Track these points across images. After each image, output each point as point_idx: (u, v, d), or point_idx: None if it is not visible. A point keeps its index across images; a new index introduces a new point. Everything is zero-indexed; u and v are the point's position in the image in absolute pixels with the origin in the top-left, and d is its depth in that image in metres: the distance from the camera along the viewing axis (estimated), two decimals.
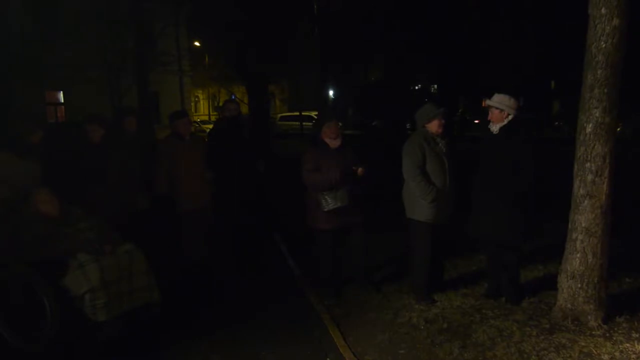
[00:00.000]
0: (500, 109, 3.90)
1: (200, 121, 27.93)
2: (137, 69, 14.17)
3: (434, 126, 4.07)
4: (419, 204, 4.03)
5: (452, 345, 3.47)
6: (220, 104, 31.85)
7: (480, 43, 19.45)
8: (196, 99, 42.33)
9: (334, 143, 4.35)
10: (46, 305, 3.38)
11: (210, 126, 20.86)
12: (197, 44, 27.40)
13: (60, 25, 13.12)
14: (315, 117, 24.59)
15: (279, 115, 29.23)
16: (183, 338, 3.69)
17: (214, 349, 3.53)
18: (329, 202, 4.19)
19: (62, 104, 17.60)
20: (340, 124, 4.42)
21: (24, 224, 3.61)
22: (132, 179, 4.77)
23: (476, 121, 22.68)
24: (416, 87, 28.76)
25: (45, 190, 3.77)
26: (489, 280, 4.28)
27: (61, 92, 17.39)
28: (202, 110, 43.07)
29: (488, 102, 3.96)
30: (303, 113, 25.89)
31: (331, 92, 30.30)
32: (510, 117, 3.89)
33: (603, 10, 3.37)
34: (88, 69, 14.58)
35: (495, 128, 3.95)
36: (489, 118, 4.00)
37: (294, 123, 25.95)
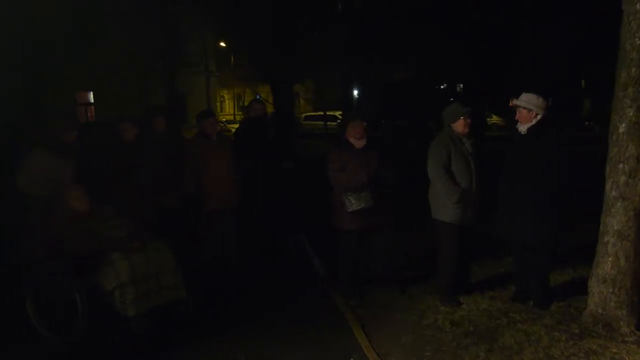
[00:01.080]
0: (528, 108, 3.82)
1: (226, 121, 28.18)
2: (166, 70, 14.43)
3: (460, 126, 4.03)
4: (444, 205, 4.00)
5: (479, 348, 3.42)
6: (246, 103, 32.15)
7: (510, 41, 19.09)
8: (222, 99, 42.76)
9: (358, 143, 4.34)
10: (77, 300, 3.48)
11: (236, 126, 21.09)
12: (223, 44, 27.71)
13: (91, 27, 13.44)
14: (340, 116, 24.59)
15: (303, 114, 29.28)
16: (209, 336, 3.74)
17: (240, 348, 3.57)
18: (353, 203, 4.18)
19: (92, 104, 18.03)
20: (365, 124, 4.41)
21: (57, 221, 3.72)
22: (162, 179, 4.85)
23: (501, 120, 22.34)
24: (442, 86, 28.45)
25: (77, 188, 3.87)
26: (517, 283, 4.20)
27: (91, 92, 17.82)
28: (228, 110, 43.47)
29: (515, 101, 3.89)
30: (327, 113, 25.89)
31: (355, 92, 30.20)
32: (538, 117, 3.81)
33: (638, 6, 3.27)
34: (118, 70, 14.93)
35: (523, 128, 3.88)
36: (516, 118, 3.92)
37: (318, 123, 25.97)
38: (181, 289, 3.86)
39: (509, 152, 4.03)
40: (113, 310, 3.52)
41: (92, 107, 18.02)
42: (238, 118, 32.93)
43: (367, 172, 4.21)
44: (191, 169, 4.90)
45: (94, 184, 4.09)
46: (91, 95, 18.02)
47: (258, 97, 21.59)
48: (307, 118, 27.79)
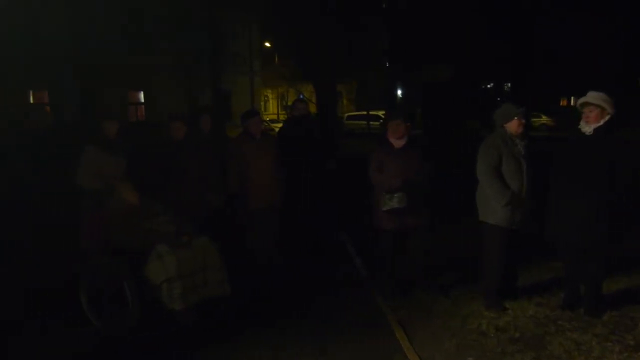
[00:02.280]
0: (602, 107, 3.65)
1: (270, 120, 28.55)
2: (212, 70, 14.75)
3: (513, 126, 3.91)
4: (492, 207, 3.90)
5: (525, 356, 3.33)
6: (289, 103, 32.42)
7: (562, 39, 18.41)
8: (265, 99, 43.29)
9: (398, 143, 4.32)
10: (127, 292, 3.62)
11: (279, 125, 21.32)
12: (267, 44, 28.08)
13: (142, 29, 13.93)
14: (383, 116, 24.42)
15: (346, 114, 29.26)
16: (251, 332, 3.80)
17: (283, 343, 3.61)
18: (387, 203, 4.19)
19: (142, 103, 18.65)
20: (408, 123, 4.37)
21: (109, 215, 3.88)
22: (208, 177, 4.97)
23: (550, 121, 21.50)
24: (488, 85, 27.75)
25: (129, 184, 4.03)
26: (567, 290, 4.05)
27: (142, 92, 18.44)
28: (271, 109, 43.99)
29: (587, 99, 3.69)
30: (370, 112, 25.75)
31: (399, 91, 29.88)
32: (607, 117, 3.65)
33: None
34: (167, 70, 15.40)
35: (589, 128, 3.68)
36: (584, 118, 3.71)
37: (361, 122, 25.91)
38: (225, 285, 3.94)
39: (566, 153, 3.87)
40: (160, 303, 3.64)
41: (142, 106, 18.63)
42: (281, 117, 33.27)
43: (404, 172, 4.19)
44: (235, 168, 4.98)
45: (145, 181, 4.24)
46: (142, 95, 18.64)
47: (301, 96, 21.73)
48: (350, 118, 27.76)
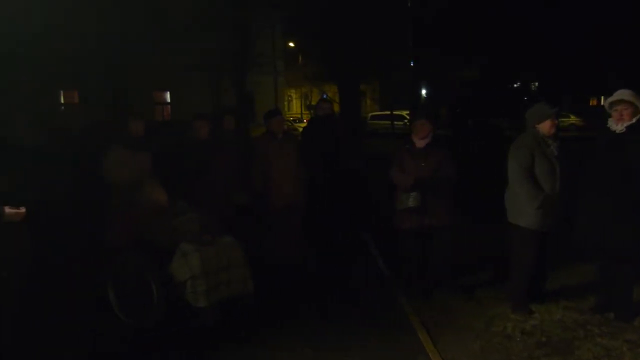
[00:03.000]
0: (635, 105, 3.53)
1: (293, 120, 28.66)
2: (236, 70, 14.88)
3: (546, 127, 3.81)
4: (523, 209, 3.80)
5: None
6: (312, 103, 32.49)
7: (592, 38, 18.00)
8: (289, 98, 43.49)
9: (420, 143, 4.30)
10: (153, 289, 3.67)
11: (303, 125, 21.37)
12: (291, 44, 28.17)
13: (168, 29, 14.14)
14: (407, 116, 24.26)
15: (370, 114, 29.18)
16: (275, 330, 3.82)
17: (306, 342, 3.61)
18: (403, 202, 4.20)
19: (168, 103, 18.94)
20: (430, 124, 4.33)
21: (136, 213, 3.95)
22: (233, 176, 5.01)
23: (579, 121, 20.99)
24: (514, 85, 27.31)
25: (155, 182, 4.09)
26: (597, 294, 3.95)
27: (168, 92, 18.72)
28: (295, 109, 44.16)
29: (621, 97, 3.57)
30: (394, 112, 25.60)
31: (424, 91, 29.65)
32: (639, 115, 3.55)
33: None
34: (192, 70, 15.61)
35: (621, 127, 3.57)
36: (616, 116, 3.59)
37: (385, 122, 25.79)
38: (249, 283, 3.97)
39: (596, 153, 3.77)
40: (184, 300, 3.68)
41: (168, 106, 18.92)
42: (305, 117, 33.37)
43: (423, 172, 4.17)
44: (258, 167, 5.02)
45: (171, 180, 4.29)
46: (168, 95, 18.93)
47: (325, 96, 21.76)
48: (374, 117, 27.67)
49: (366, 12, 13.54)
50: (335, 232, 5.58)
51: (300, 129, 17.91)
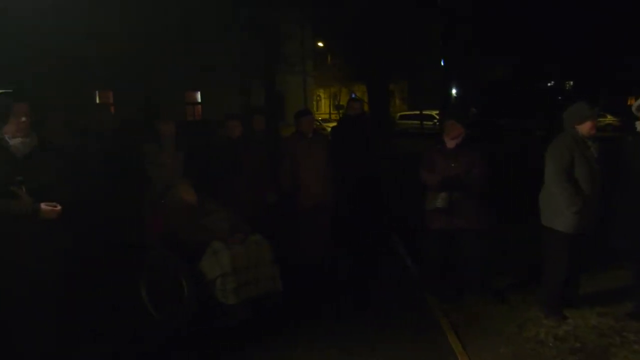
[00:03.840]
0: None
1: (322, 120, 28.71)
2: (265, 71, 15.01)
3: (585, 128, 3.69)
4: (560, 213, 3.69)
5: None
6: (341, 102, 32.47)
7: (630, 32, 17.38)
8: (318, 98, 43.61)
9: (451, 143, 4.26)
10: (184, 286, 3.74)
11: (331, 124, 21.39)
12: (320, 44, 28.22)
13: (199, 30, 14.36)
14: (437, 116, 23.98)
15: (399, 114, 29.00)
16: (301, 329, 3.83)
17: (332, 342, 3.61)
18: (431, 202, 4.17)
19: (199, 103, 19.24)
20: (460, 124, 4.28)
21: (167, 211, 4.03)
22: (262, 175, 5.05)
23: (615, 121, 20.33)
24: (548, 84, 26.66)
25: (187, 181, 4.17)
26: (634, 300, 3.82)
27: (199, 92, 19.03)
28: (323, 109, 44.24)
29: None
30: (424, 112, 25.37)
31: (454, 91, 29.24)
32: None
33: None
34: (223, 71, 15.82)
35: None
36: None
37: (414, 122, 25.59)
38: (277, 282, 3.99)
39: (629, 153, 3.64)
40: (214, 298, 3.73)
41: (200, 106, 19.21)
42: (334, 117, 33.38)
43: (452, 172, 4.12)
44: (287, 166, 5.05)
45: (201, 178, 4.36)
46: (199, 95, 19.23)
47: (353, 96, 21.73)
48: (402, 117, 27.48)
49: (396, 11, 13.45)
50: (364, 233, 5.57)
51: (329, 129, 17.91)
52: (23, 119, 2.95)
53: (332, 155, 5.24)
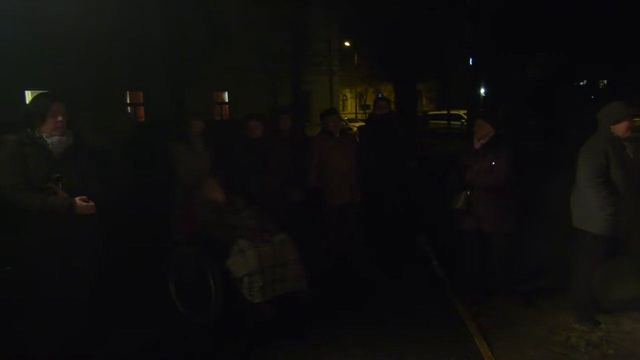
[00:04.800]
0: None
1: (348, 119, 28.67)
2: (292, 70, 15.07)
3: (622, 128, 3.58)
4: (594, 215, 3.59)
5: None
6: (367, 102, 32.33)
7: None
8: (344, 98, 43.54)
9: (477, 143, 4.22)
10: (212, 284, 3.79)
11: (357, 124, 21.34)
12: (347, 43, 28.18)
13: (226, 31, 14.53)
14: (464, 115, 23.65)
15: (426, 113, 28.76)
16: (327, 328, 3.83)
17: (357, 343, 3.60)
18: (453, 202, 4.15)
19: (227, 103, 19.45)
20: (488, 124, 4.21)
21: (196, 210, 4.09)
22: (288, 174, 5.08)
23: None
24: (580, 83, 25.94)
25: (215, 179, 4.22)
26: None
27: (226, 92, 19.23)
28: (350, 108, 44.17)
29: None
30: (451, 112, 25.08)
31: (482, 90, 28.78)
32: None
33: None
34: (250, 70, 15.96)
35: None
36: None
37: (441, 122, 25.31)
38: (303, 280, 4.01)
39: None
40: (241, 296, 3.77)
41: (227, 106, 19.41)
42: (360, 116, 33.28)
43: (476, 173, 4.07)
44: (314, 165, 5.06)
45: (229, 177, 4.40)
46: (226, 95, 19.44)
47: (380, 95, 21.61)
48: (430, 117, 27.22)
49: (423, 10, 13.32)
50: (392, 233, 5.53)
51: (355, 129, 17.83)
52: (60, 118, 3.05)
53: (359, 154, 5.23)
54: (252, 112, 5.29)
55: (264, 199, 4.55)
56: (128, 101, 16.23)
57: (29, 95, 13.11)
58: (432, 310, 4.14)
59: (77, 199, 3.00)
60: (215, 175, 4.39)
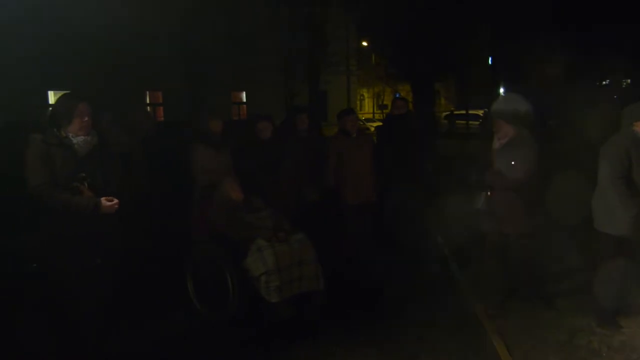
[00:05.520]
0: None
1: (365, 119, 28.60)
2: (309, 70, 15.09)
3: None
4: (616, 216, 3.52)
5: None
6: (385, 102, 32.18)
7: None
8: (361, 98, 43.43)
9: (496, 143, 4.16)
10: (229, 282, 3.82)
11: (375, 124, 21.26)
12: (364, 43, 28.08)
13: (244, 30, 14.60)
14: (482, 115, 23.41)
15: (444, 113, 28.54)
16: (341, 329, 3.82)
17: (371, 344, 3.59)
18: (471, 203, 4.10)
19: (244, 102, 19.57)
20: (506, 123, 4.14)
21: (214, 209, 4.12)
22: (305, 174, 5.08)
23: None
24: (604, 82, 25.44)
25: (233, 179, 4.24)
26: None
27: (244, 92, 19.35)
28: (367, 108, 44.06)
29: None
30: (470, 111, 24.85)
31: (502, 90, 28.44)
32: None
33: None
34: (267, 70, 16.03)
35: None
36: None
37: (460, 121, 25.11)
38: (319, 281, 4.00)
39: None
40: (258, 295, 3.79)
41: (245, 105, 19.53)
42: (377, 117, 33.17)
43: (495, 173, 4.02)
44: (332, 164, 5.07)
45: (246, 177, 4.42)
46: (244, 95, 19.55)
47: (397, 95, 21.49)
48: (448, 117, 27.02)
49: (441, 9, 13.23)
50: (409, 234, 5.49)
51: (373, 128, 17.75)
52: (86, 118, 3.10)
53: (377, 154, 5.22)
54: (260, 112, 5.28)
55: (281, 199, 4.56)
56: (148, 101, 16.43)
57: (52, 96, 13.38)
58: (450, 313, 4.11)
59: (102, 198, 3.06)
60: (234, 174, 4.42)
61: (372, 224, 5.25)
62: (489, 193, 4.04)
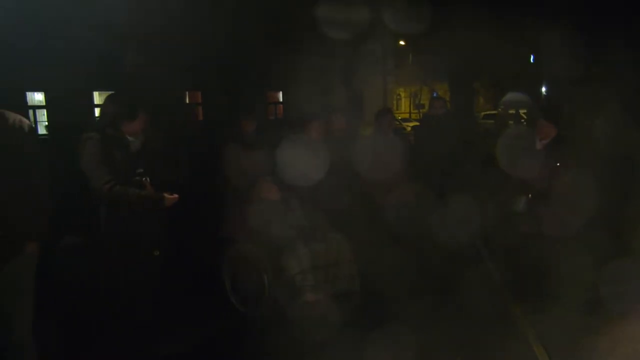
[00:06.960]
0: None
1: (402, 119, 28.37)
2: (346, 70, 15.08)
3: None
4: None
5: None
6: (422, 102, 31.85)
7: None
8: (398, 97, 43.10)
9: (539, 144, 4.07)
10: (265, 281, 3.87)
11: (411, 124, 21.06)
12: (402, 42, 27.86)
13: (280, 31, 14.73)
14: (524, 115, 22.81)
15: (482, 113, 27.98)
16: (376, 331, 3.77)
17: (408, 347, 3.55)
18: (511, 205, 4.11)
19: (281, 102, 19.73)
20: (550, 124, 4.04)
21: (251, 209, 4.18)
22: (342, 174, 5.08)
23: None
24: None
25: (269, 179, 4.30)
26: None
27: (281, 92, 19.51)
28: (403, 108, 43.65)
29: None
30: (509, 111, 24.31)
31: (544, 88, 27.63)
32: None
33: None
34: (303, 70, 16.13)
35: None
36: None
37: (489, 122, 24.63)
38: (356, 280, 4.02)
39: None
40: (294, 293, 3.83)
41: (281, 105, 19.69)
42: (414, 116, 32.85)
43: (537, 176, 3.92)
44: (367, 165, 5.05)
45: (281, 176, 4.46)
46: (280, 95, 19.72)
47: (435, 94, 21.20)
48: (486, 117, 26.48)
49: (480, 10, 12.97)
50: (447, 234, 5.42)
51: (409, 128, 17.57)
52: (145, 118, 3.25)
53: (414, 154, 5.19)
54: (312, 112, 5.31)
55: (318, 198, 4.58)
56: (187, 101, 16.80)
57: (97, 97, 13.86)
58: (489, 317, 4.02)
59: (165, 193, 3.18)
60: (270, 174, 4.48)
61: (407, 223, 5.19)
62: (530, 195, 3.96)
